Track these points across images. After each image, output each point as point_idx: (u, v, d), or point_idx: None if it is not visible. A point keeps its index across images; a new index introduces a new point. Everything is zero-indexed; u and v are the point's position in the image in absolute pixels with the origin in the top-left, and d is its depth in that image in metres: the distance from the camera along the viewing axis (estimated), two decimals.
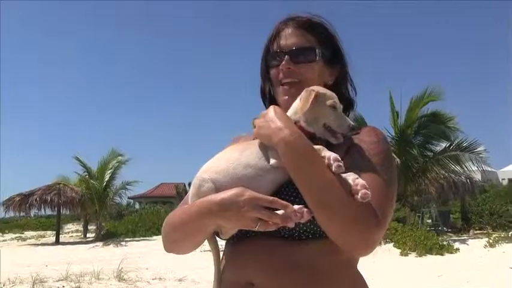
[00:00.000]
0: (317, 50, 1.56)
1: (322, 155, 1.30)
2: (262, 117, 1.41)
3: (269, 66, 1.61)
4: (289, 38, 1.57)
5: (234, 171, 1.37)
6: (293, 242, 1.35)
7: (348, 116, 1.58)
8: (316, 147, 1.33)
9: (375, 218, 1.26)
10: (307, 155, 1.30)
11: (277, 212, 1.26)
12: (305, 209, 1.26)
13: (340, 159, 1.27)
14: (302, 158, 1.30)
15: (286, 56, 1.54)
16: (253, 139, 1.45)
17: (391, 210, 1.37)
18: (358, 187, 1.22)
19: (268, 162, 1.36)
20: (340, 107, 1.42)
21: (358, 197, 1.21)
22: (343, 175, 1.26)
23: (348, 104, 1.65)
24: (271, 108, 1.42)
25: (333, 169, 1.25)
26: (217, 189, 1.36)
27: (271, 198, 1.27)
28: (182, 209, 1.46)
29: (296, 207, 1.26)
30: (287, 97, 1.55)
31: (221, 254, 1.49)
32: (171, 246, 1.53)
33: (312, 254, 1.34)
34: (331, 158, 1.27)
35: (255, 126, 1.43)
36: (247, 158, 1.38)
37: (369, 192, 1.21)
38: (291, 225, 1.27)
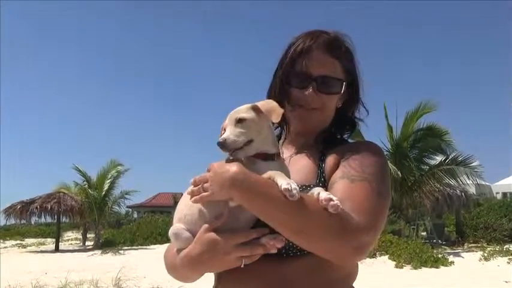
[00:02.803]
0: (343, 83, 1.54)
1: (276, 182, 1.23)
2: (207, 179, 1.32)
3: (291, 84, 1.54)
4: (317, 63, 1.51)
5: (210, 216, 1.35)
6: (281, 259, 1.34)
7: (350, 135, 1.64)
8: (269, 174, 1.27)
9: (357, 223, 1.24)
10: (259, 192, 1.23)
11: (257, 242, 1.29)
12: (275, 239, 1.27)
13: (291, 186, 1.20)
14: (256, 197, 1.23)
15: (313, 83, 1.51)
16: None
17: (382, 219, 1.33)
18: (324, 202, 1.20)
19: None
20: (228, 123, 1.35)
21: (330, 210, 1.20)
22: (308, 194, 1.26)
23: (351, 126, 1.65)
24: (210, 165, 1.33)
25: (289, 199, 1.19)
26: (195, 235, 1.36)
27: (246, 233, 1.30)
28: (171, 256, 1.48)
29: (267, 238, 1.28)
30: (299, 122, 1.56)
31: None
32: (176, 279, 1.55)
33: (301, 271, 1.34)
34: (282, 189, 1.20)
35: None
36: (222, 202, 1.32)
37: (335, 202, 1.20)
38: (274, 251, 1.28)
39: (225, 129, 1.35)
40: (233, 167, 1.26)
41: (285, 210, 1.21)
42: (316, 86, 1.50)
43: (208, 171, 1.32)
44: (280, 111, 1.36)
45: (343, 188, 1.34)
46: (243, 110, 1.36)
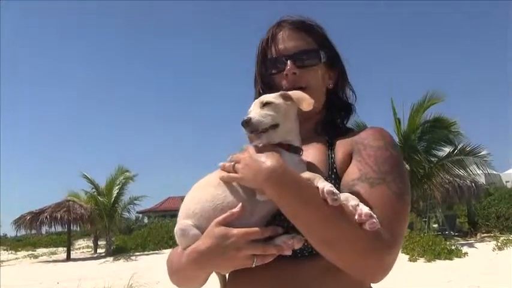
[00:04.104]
0: (321, 52, 1.48)
1: (316, 185, 1.17)
2: (240, 161, 1.27)
3: (269, 72, 1.51)
4: (288, 41, 1.47)
5: (221, 212, 1.26)
6: (296, 260, 1.27)
7: (346, 122, 1.58)
8: (308, 176, 1.20)
9: (386, 241, 1.16)
10: (296, 191, 1.16)
11: (271, 241, 1.22)
12: (294, 239, 1.20)
13: (334, 190, 1.14)
14: (292, 196, 1.16)
15: (289, 61, 1.45)
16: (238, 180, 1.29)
17: (404, 225, 1.27)
18: (363, 217, 1.12)
19: (255, 196, 1.25)
20: (253, 106, 1.32)
21: (366, 227, 1.12)
22: (342, 201, 1.16)
23: (347, 109, 1.58)
24: (248, 148, 1.31)
25: (330, 203, 1.13)
26: (203, 232, 1.28)
27: (260, 229, 1.22)
28: (176, 256, 1.38)
29: (284, 238, 1.21)
30: None
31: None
32: (178, 285, 1.47)
33: (318, 272, 1.26)
34: (325, 191, 1.13)
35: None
36: (234, 196, 1.27)
37: (375, 221, 1.12)
38: (288, 253, 1.21)
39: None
40: (272, 159, 1.21)
41: (317, 216, 1.15)
42: (294, 63, 1.45)
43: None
44: (311, 100, 1.31)
45: (364, 194, 1.24)
46: (271, 95, 1.33)
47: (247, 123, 1.24)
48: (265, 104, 1.29)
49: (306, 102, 1.30)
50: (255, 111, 1.28)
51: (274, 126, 1.28)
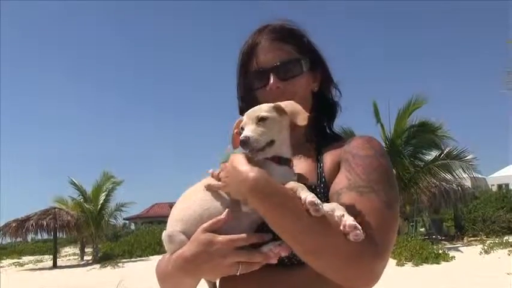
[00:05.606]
0: (302, 61, 1.45)
1: (298, 196, 1.16)
2: (223, 171, 1.27)
3: (252, 86, 1.48)
4: (268, 53, 1.44)
5: (208, 219, 1.26)
6: (286, 268, 1.27)
7: (332, 124, 1.56)
8: (291, 186, 1.19)
9: (374, 249, 1.15)
10: (279, 202, 1.15)
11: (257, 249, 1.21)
12: (280, 247, 1.20)
13: (317, 201, 1.12)
14: (275, 207, 1.15)
15: (272, 75, 1.42)
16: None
17: (393, 233, 1.25)
18: (347, 228, 1.10)
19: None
20: (247, 122, 1.28)
21: (350, 238, 1.10)
22: (328, 211, 1.14)
23: (334, 109, 1.56)
24: (232, 157, 1.28)
25: (312, 214, 1.11)
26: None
27: (245, 235, 1.22)
28: (163, 263, 1.38)
29: (270, 245, 1.21)
30: None
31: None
32: None
33: (307, 281, 1.25)
34: (307, 202, 1.12)
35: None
36: (221, 203, 1.28)
37: (359, 232, 1.10)
38: (274, 261, 1.21)
39: (242, 128, 1.27)
40: (254, 171, 1.18)
41: (301, 226, 1.12)
42: (276, 76, 1.42)
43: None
44: (306, 114, 1.27)
45: (353, 202, 1.22)
46: (265, 109, 1.28)
47: (244, 143, 1.22)
48: (260, 119, 1.26)
49: (301, 117, 1.26)
50: (250, 128, 1.25)
51: (271, 142, 1.26)
